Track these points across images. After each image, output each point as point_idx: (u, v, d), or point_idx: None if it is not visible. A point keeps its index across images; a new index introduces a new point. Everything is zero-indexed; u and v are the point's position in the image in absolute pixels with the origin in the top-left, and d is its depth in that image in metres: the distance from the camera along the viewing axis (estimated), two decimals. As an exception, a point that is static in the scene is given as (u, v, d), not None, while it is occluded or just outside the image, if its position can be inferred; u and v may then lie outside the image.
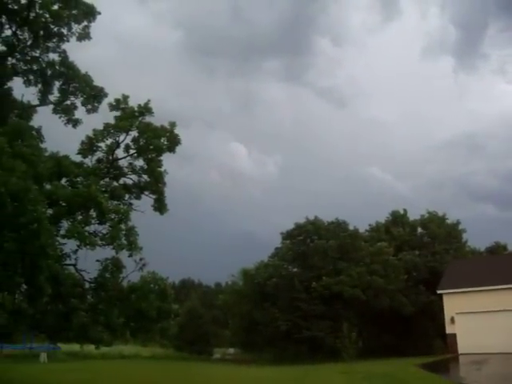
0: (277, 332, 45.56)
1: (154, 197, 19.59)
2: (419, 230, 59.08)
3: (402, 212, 59.03)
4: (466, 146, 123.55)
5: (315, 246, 47.50)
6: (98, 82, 19.11)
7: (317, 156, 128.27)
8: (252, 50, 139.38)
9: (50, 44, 18.21)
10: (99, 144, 19.11)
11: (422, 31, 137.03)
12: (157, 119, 19.34)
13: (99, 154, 19.22)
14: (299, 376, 26.46)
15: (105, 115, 19.36)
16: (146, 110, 19.27)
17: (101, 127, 19.10)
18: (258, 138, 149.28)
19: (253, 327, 48.94)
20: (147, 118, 19.33)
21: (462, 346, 34.40)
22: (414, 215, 59.39)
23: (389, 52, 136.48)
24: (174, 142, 19.29)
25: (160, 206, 19.53)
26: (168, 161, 19.82)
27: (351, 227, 50.97)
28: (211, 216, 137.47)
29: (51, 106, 18.89)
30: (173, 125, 19.36)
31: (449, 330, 35.48)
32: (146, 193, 19.63)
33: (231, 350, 62.67)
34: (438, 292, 37.08)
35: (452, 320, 35.15)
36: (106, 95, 19.32)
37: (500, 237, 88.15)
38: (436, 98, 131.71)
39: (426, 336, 51.73)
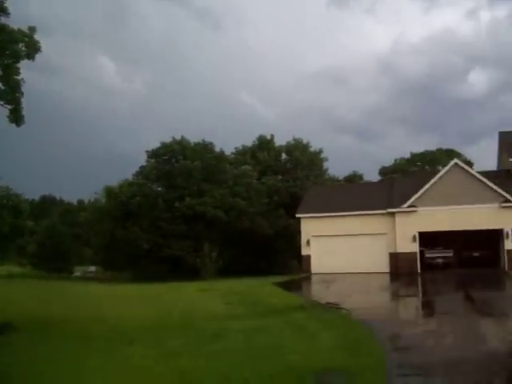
0: (138, 251, 45.59)
1: (9, 107, 18.16)
2: (284, 155, 60.80)
3: (268, 137, 60.19)
4: (332, 78, 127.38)
5: (180, 166, 47.39)
6: None
7: (187, 76, 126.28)
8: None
9: None
10: None
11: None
12: (14, 23, 17.71)
13: None
14: (159, 293, 26.83)
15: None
16: (0, 9, 17.57)
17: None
18: (128, 53, 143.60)
19: (114, 245, 48.64)
20: (3, 20, 17.64)
21: (315, 266, 36.53)
22: (279, 141, 60.88)
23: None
24: (33, 49, 17.77)
25: (16, 118, 18.11)
26: (28, 70, 18.44)
27: (217, 149, 51.28)
28: (76, 131, 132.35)
29: None
30: (32, 30, 17.78)
31: (304, 251, 37.36)
32: (1, 102, 18.18)
33: (92, 269, 62.09)
34: (297, 216, 38.69)
35: (308, 242, 37.01)
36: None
37: (357, 167, 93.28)
38: (308, 30, 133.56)
39: (284, 257, 54.24)
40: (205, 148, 50.12)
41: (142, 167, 51.34)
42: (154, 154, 50.54)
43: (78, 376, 9.78)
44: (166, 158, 50.13)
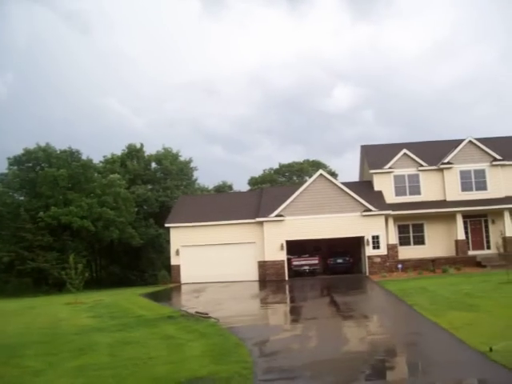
0: (-2, 263, 42.95)
1: None
2: (153, 165, 60.31)
3: (138, 146, 59.41)
4: (202, 88, 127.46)
5: (45, 174, 45.21)
6: None
7: (53, 80, 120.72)
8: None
9: None
10: None
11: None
12: None
13: None
14: (21, 308, 25.50)
15: None
16: None
17: None
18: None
19: (-30, 258, 45.44)
20: None
21: (185, 276, 36.45)
22: (149, 150, 60.37)
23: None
24: None
25: None
26: None
27: (85, 157, 49.62)
28: None
29: None
30: None
31: (174, 261, 37.12)
32: None
33: None
34: (166, 225, 38.38)
35: (177, 252, 36.81)
36: None
37: (227, 177, 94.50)
38: (181, 39, 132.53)
39: (153, 267, 53.73)
40: (71, 156, 48.26)
41: (2, 175, 48.41)
42: (16, 161, 47.80)
43: None
44: (29, 165, 47.63)
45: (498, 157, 37.45)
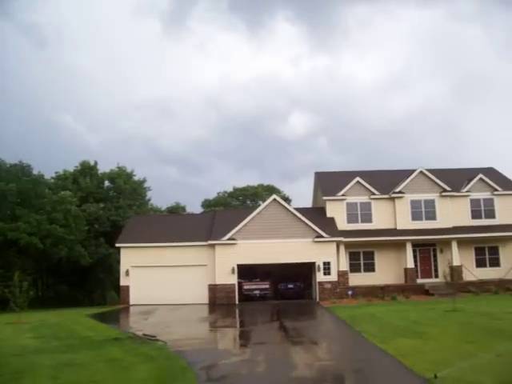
0: None
1: None
2: (107, 183, 59.43)
3: (92, 163, 58.49)
4: (159, 109, 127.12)
5: (-7, 188, 44.09)
6: None
7: (7, 92, 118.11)
8: None
9: None
10: None
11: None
12: None
13: None
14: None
15: None
16: None
17: None
18: None
19: None
20: None
21: (134, 297, 35.78)
22: (103, 168, 59.46)
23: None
24: None
25: None
26: None
27: (36, 172, 48.54)
28: None
29: None
30: None
31: (123, 282, 36.45)
32: None
33: None
34: (117, 245, 37.75)
35: (127, 273, 36.18)
36: None
37: (181, 198, 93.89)
38: (139, 58, 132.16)
39: (102, 287, 52.71)
40: (22, 170, 47.18)
41: None
42: (-38, 175, 46.47)
43: None
44: (-24, 179, 46.36)
45: (448, 188, 38.41)
